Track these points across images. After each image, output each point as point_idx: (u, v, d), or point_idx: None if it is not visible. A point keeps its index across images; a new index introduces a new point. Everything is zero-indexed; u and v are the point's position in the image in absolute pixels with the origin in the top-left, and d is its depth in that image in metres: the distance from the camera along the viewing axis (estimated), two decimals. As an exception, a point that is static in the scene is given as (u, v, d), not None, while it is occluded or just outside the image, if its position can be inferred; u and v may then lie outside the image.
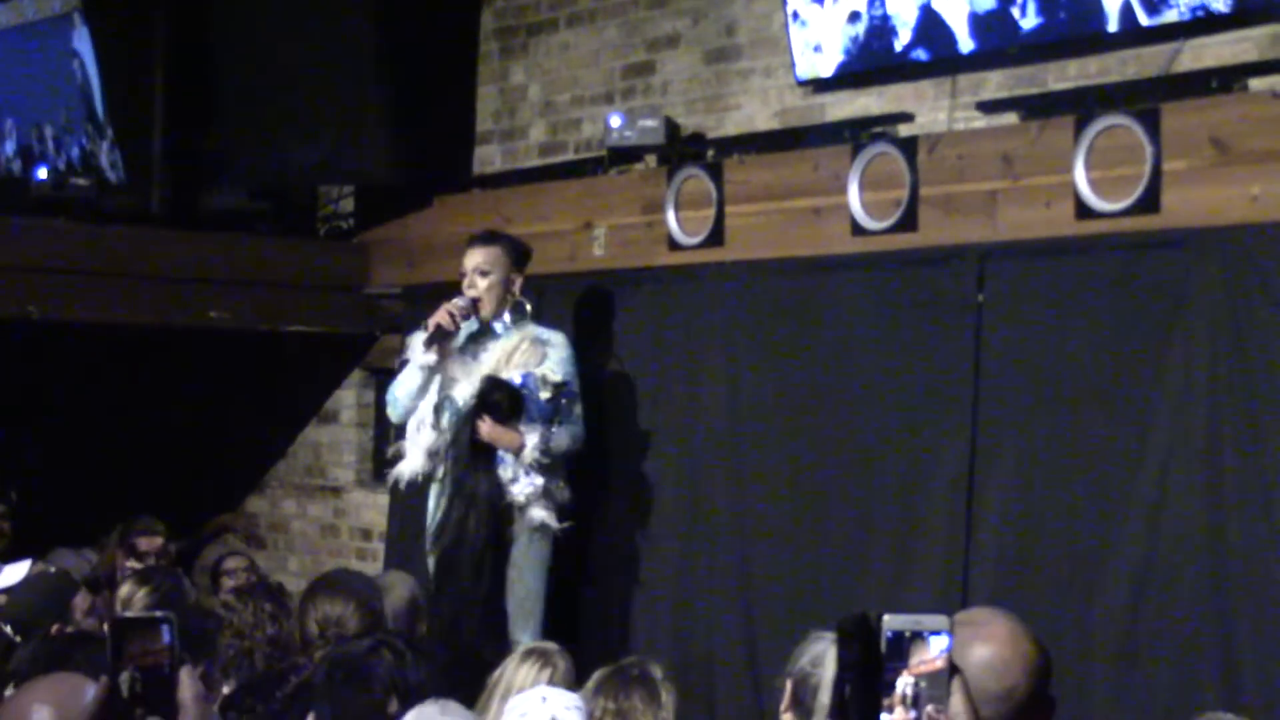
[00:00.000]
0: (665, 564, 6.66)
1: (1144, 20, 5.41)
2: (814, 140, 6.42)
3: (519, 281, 6.41)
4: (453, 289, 7.70)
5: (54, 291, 7.41)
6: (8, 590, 5.42)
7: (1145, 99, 5.40)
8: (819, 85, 6.50)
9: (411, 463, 6.36)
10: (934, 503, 5.81)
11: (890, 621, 2.55)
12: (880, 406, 5.96)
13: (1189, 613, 5.14)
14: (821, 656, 4.11)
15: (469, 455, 6.15)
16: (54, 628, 5.10)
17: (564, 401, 6.25)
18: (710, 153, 6.80)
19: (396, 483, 6.52)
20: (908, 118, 6.19)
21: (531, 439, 6.15)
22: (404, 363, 6.45)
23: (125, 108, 8.17)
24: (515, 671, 4.65)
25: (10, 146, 9.02)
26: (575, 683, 4.68)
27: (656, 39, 7.22)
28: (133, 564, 7.26)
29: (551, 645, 4.85)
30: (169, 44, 8.09)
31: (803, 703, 3.74)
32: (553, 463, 6.21)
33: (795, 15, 6.34)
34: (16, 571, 5.59)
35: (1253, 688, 4.95)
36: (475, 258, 6.35)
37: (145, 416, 8.63)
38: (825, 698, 3.80)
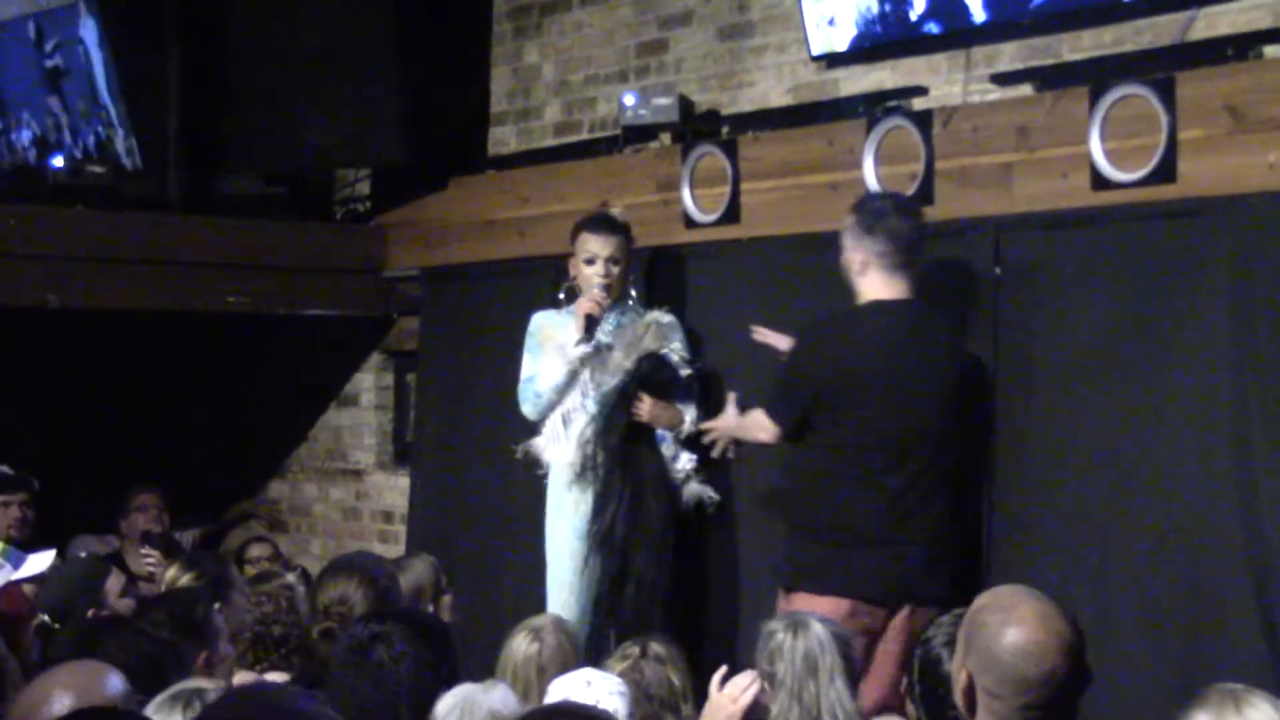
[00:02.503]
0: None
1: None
2: (828, 115, 6.41)
3: (632, 265, 6.38)
4: (471, 270, 7.75)
5: (72, 279, 7.42)
6: (40, 578, 5.45)
7: (1160, 68, 5.37)
8: (833, 60, 6.48)
9: (565, 454, 6.25)
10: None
11: None
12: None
13: (1212, 582, 5.13)
14: (777, 650, 4.36)
15: (630, 436, 6.11)
16: (89, 612, 5.14)
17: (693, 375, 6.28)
18: (725, 130, 6.78)
19: (544, 475, 6.37)
20: (922, 91, 6.17)
21: (689, 415, 6.20)
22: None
23: (140, 94, 8.17)
24: (511, 649, 4.67)
25: (27, 135, 9.03)
26: (574, 656, 4.69)
27: (670, 16, 7.20)
28: (139, 522, 7.41)
29: (546, 619, 4.85)
30: (182, 29, 8.09)
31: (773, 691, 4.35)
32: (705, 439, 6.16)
33: (808, -10, 6.33)
34: (42, 561, 5.63)
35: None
36: (607, 246, 6.22)
37: (165, 403, 8.65)
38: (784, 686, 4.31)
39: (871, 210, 5.50)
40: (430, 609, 5.20)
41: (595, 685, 4.15)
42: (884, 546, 5.38)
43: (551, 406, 6.29)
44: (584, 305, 6.17)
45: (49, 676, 3.31)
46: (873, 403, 5.37)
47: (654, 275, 6.80)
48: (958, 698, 3.14)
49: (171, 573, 5.44)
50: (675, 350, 6.24)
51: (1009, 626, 3.07)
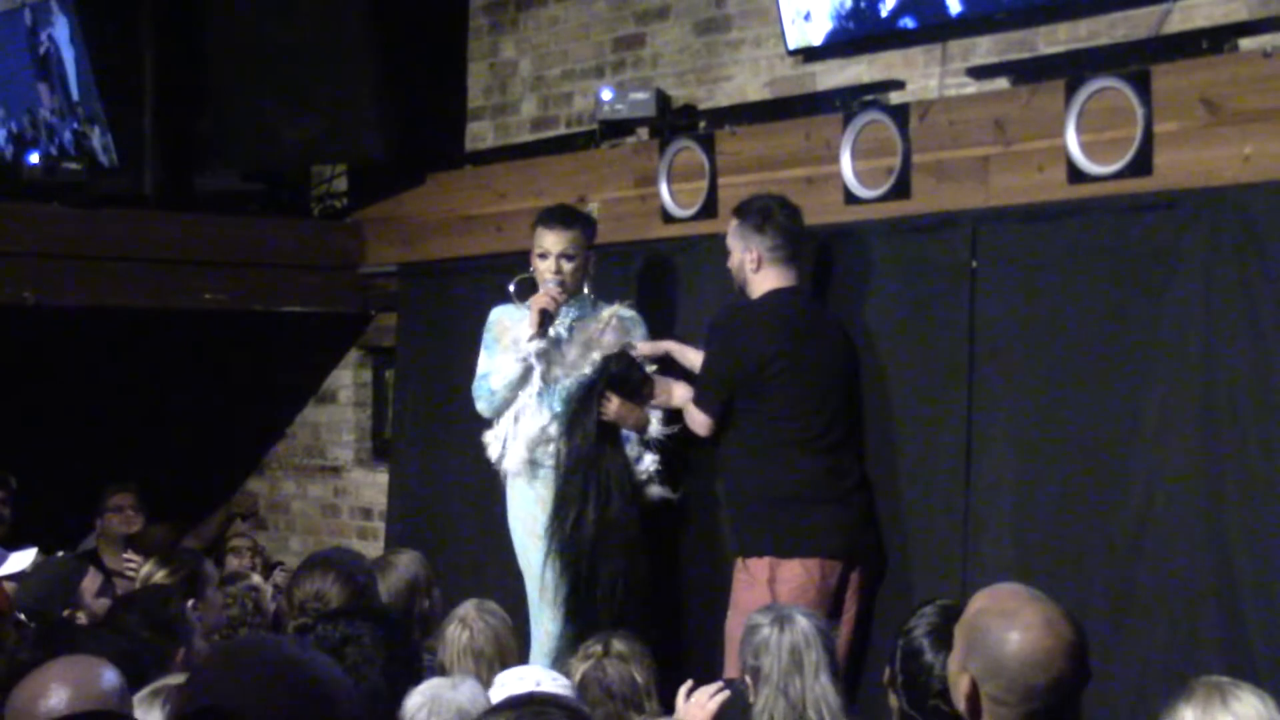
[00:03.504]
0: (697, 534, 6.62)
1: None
2: (805, 110, 6.42)
3: (592, 259, 6.27)
4: (448, 265, 7.74)
5: (48, 276, 7.39)
6: (18, 576, 5.44)
7: (1136, 61, 5.39)
8: (809, 54, 6.48)
9: (516, 455, 6.21)
10: (931, 469, 5.82)
11: None
12: (876, 374, 5.96)
13: (1188, 575, 5.15)
14: (762, 644, 4.39)
15: (597, 435, 6.02)
16: (66, 611, 5.12)
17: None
18: (702, 124, 6.79)
19: (502, 476, 6.32)
20: (898, 85, 6.18)
21: (656, 415, 6.13)
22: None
23: (116, 91, 8.14)
24: (445, 641, 4.69)
25: (2, 133, 9.00)
26: (508, 635, 4.70)
27: (646, 11, 7.20)
28: (111, 520, 7.39)
29: (469, 606, 4.86)
30: (159, 26, 8.05)
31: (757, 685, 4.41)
32: (672, 440, 6.15)
33: (784, -16, 6.33)
34: (23, 559, 5.62)
35: (1260, 647, 4.95)
36: (559, 242, 6.15)
37: (142, 400, 8.63)
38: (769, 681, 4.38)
39: (759, 210, 5.83)
40: (426, 604, 5.19)
41: (544, 686, 4.13)
42: (834, 504, 5.76)
43: (506, 404, 6.23)
44: (539, 300, 6.12)
45: (45, 670, 3.32)
46: (791, 380, 5.71)
47: (630, 270, 6.79)
48: (959, 702, 3.11)
49: (145, 569, 5.43)
50: (636, 345, 6.19)
51: (1013, 632, 3.02)
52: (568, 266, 6.15)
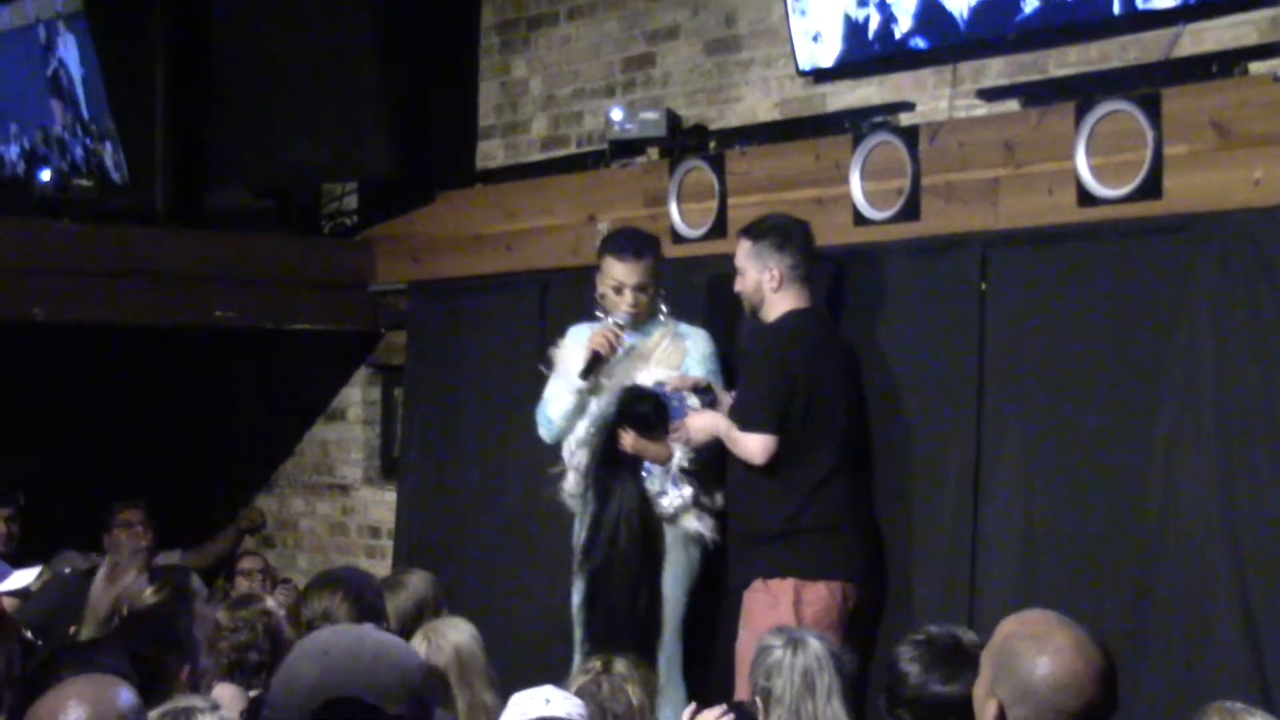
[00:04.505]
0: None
1: (1141, 4, 5.39)
2: (815, 130, 6.42)
3: (661, 281, 6.11)
4: (458, 284, 7.75)
5: (59, 292, 7.40)
6: (24, 594, 5.45)
7: (1146, 84, 5.38)
8: (820, 75, 6.48)
9: (569, 484, 6.10)
10: (940, 490, 5.80)
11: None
12: (886, 395, 5.95)
13: (1202, 600, 5.13)
14: (775, 666, 4.38)
15: (610, 468, 5.92)
16: (71, 629, 5.13)
17: (710, 402, 5.94)
18: (712, 144, 6.79)
19: (563, 505, 6.20)
20: (908, 106, 6.18)
21: (679, 448, 5.88)
22: (543, 375, 6.16)
23: (127, 108, 8.16)
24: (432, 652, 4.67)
25: (14, 150, 9.03)
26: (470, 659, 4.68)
27: (656, 31, 7.21)
28: (120, 536, 7.38)
29: (438, 621, 4.84)
30: (170, 43, 8.08)
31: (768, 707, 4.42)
32: (704, 470, 5.93)
33: (795, 5, 6.33)
34: (26, 576, 5.62)
35: (1275, 674, 4.93)
36: (633, 273, 5.97)
37: (151, 417, 8.64)
38: (781, 703, 4.38)
39: (779, 229, 5.78)
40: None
41: (554, 703, 4.13)
42: (856, 528, 5.77)
43: (564, 433, 6.11)
44: (596, 339, 5.97)
45: (63, 688, 3.34)
46: (821, 404, 5.67)
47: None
48: None
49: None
50: (686, 370, 6.00)
51: (1043, 656, 3.00)
52: (644, 298, 6.02)
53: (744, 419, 5.69)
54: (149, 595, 5.21)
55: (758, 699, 4.47)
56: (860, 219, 6.12)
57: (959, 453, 5.75)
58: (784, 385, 5.64)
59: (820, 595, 5.60)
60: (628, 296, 6.00)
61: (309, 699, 2.69)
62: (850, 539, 5.72)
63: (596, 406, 6.03)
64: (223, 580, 8.04)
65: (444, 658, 4.63)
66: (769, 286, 5.75)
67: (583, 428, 6.05)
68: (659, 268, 6.11)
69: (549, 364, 6.21)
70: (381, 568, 7.60)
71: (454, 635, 4.74)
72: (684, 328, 6.12)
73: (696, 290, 6.50)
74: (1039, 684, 2.98)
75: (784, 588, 5.61)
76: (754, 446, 5.64)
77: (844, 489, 5.72)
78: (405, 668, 2.74)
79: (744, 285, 5.81)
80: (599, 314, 6.12)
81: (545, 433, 6.19)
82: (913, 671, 3.76)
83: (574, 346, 6.11)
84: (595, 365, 5.96)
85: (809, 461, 5.65)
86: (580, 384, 5.98)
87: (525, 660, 6.34)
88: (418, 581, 5.33)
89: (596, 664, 4.58)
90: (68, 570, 6.61)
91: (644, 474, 5.95)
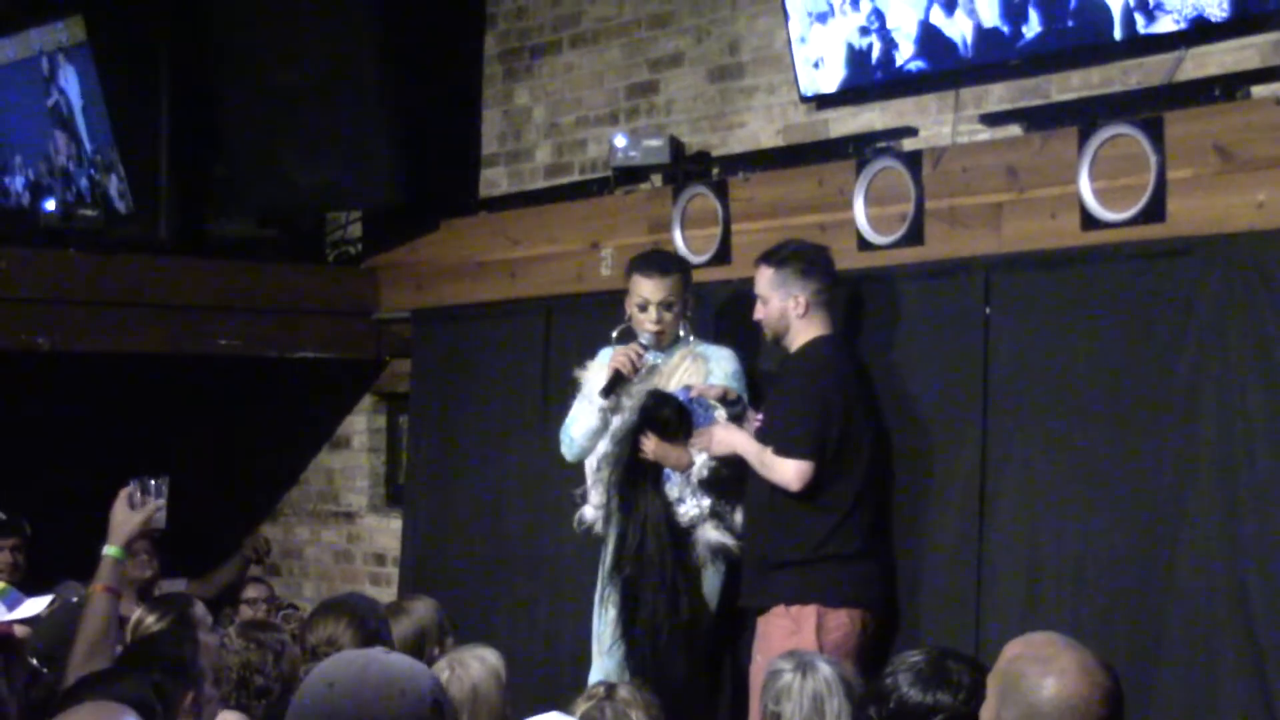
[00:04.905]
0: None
1: (1143, 29, 5.40)
2: (819, 156, 6.42)
3: (690, 303, 6.12)
4: (463, 311, 7.75)
5: (64, 322, 7.42)
6: (31, 622, 5.43)
7: (1149, 108, 5.39)
8: (822, 101, 6.49)
9: (594, 500, 6.09)
10: (945, 515, 5.80)
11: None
12: (890, 420, 5.94)
13: (1208, 624, 5.11)
14: (785, 690, 4.36)
15: (632, 475, 5.88)
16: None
17: (737, 415, 5.90)
18: (715, 171, 6.80)
19: (579, 525, 6.19)
20: (911, 132, 6.19)
21: (700, 456, 5.85)
22: (566, 396, 6.16)
23: (132, 138, 8.18)
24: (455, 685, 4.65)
25: (20, 180, 9.04)
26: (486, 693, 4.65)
27: (660, 58, 7.22)
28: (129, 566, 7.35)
29: (463, 652, 4.82)
30: (174, 73, 8.10)
31: None
32: (725, 482, 5.89)
33: (797, 32, 6.34)
34: (38, 605, 5.60)
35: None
36: (658, 290, 5.98)
37: (157, 446, 8.62)
38: None
39: (802, 255, 5.75)
40: (436, 651, 5.16)
41: None
42: (875, 557, 5.76)
43: (585, 452, 6.13)
44: (618, 359, 5.98)
45: (68, 717, 3.33)
46: (852, 429, 5.65)
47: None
48: None
49: (135, 615, 5.41)
50: (712, 382, 5.96)
51: (1049, 678, 3.00)
52: (669, 316, 6.02)
53: (782, 445, 5.63)
54: (152, 623, 5.20)
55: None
56: (864, 244, 6.13)
57: (963, 476, 5.75)
58: (822, 413, 5.61)
59: (842, 623, 5.59)
60: (652, 314, 6.01)
61: None
62: (871, 567, 5.73)
63: (618, 424, 6.03)
64: (229, 609, 8.02)
65: (461, 692, 4.61)
66: (794, 313, 5.71)
67: (604, 446, 6.06)
68: (687, 289, 6.11)
69: (575, 385, 6.22)
70: (387, 595, 7.60)
71: (475, 669, 4.69)
72: (706, 348, 6.11)
73: (704, 319, 6.48)
74: (1045, 706, 2.97)
75: (807, 614, 5.58)
76: (791, 473, 5.58)
77: (867, 517, 5.71)
78: (408, 693, 2.72)
79: (767, 313, 5.77)
80: (614, 344, 6.15)
81: (567, 451, 6.22)
82: (893, 679, 3.74)
83: (599, 367, 6.13)
84: (616, 384, 5.98)
85: (838, 488, 5.63)
86: (602, 402, 6.00)
87: (529, 686, 6.32)
88: (422, 608, 5.31)
89: (600, 690, 4.57)
90: (75, 599, 6.60)
91: (666, 480, 5.91)
